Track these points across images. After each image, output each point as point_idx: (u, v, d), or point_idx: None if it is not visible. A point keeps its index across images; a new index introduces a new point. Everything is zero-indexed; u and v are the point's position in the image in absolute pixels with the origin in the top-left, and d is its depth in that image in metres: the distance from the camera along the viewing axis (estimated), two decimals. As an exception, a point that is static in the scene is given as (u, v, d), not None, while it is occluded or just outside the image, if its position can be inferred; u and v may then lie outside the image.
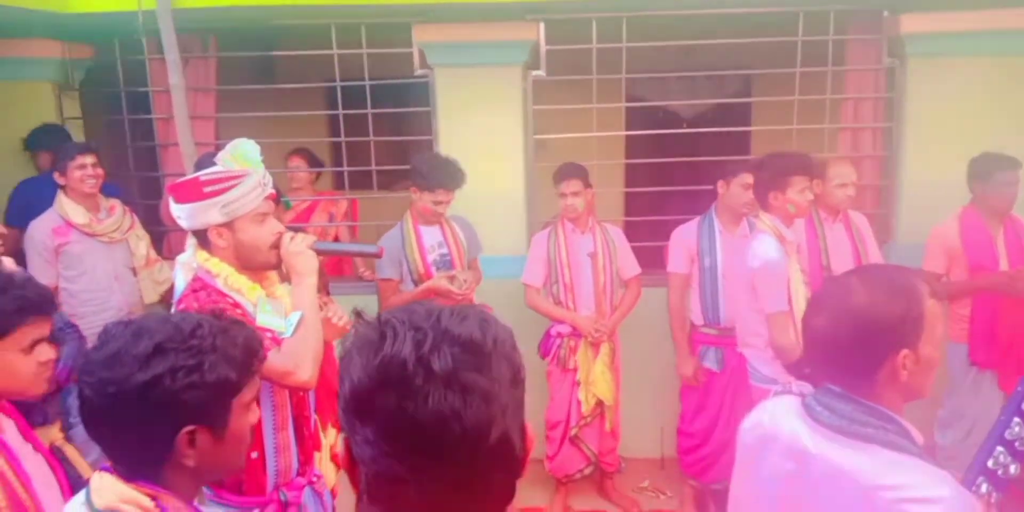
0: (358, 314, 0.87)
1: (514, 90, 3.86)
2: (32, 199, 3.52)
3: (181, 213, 1.91)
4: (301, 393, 2.03)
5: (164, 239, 4.02)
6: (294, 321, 1.95)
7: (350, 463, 0.85)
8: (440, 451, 0.76)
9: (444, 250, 3.34)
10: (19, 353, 1.55)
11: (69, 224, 3.29)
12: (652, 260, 3.76)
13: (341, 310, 2.18)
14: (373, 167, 4.02)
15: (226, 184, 1.86)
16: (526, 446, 0.84)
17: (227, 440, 1.19)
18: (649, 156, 4.35)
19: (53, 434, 2.36)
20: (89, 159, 3.31)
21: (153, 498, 1.14)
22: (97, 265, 3.34)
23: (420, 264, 3.29)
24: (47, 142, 3.82)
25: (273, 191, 1.99)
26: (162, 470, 1.16)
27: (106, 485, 1.16)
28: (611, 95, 4.07)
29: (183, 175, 3.67)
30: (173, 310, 2.07)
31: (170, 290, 3.44)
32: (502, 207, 3.86)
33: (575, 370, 3.49)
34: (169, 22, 3.27)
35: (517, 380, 0.83)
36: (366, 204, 4.61)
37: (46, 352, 1.59)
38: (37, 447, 1.67)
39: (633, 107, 4.72)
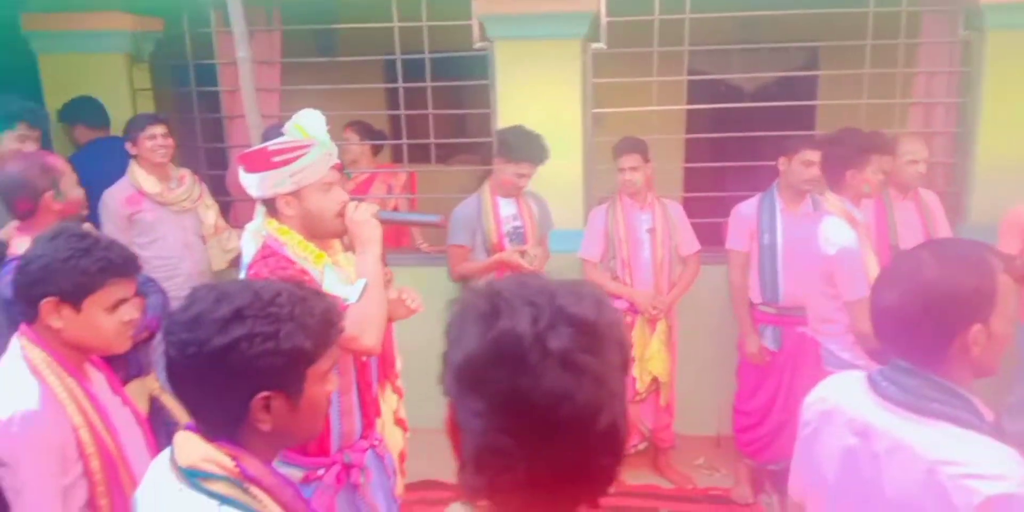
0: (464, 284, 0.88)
1: (573, 63, 3.83)
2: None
3: (251, 182, 1.97)
4: (364, 358, 2.09)
5: (230, 208, 4.13)
6: (359, 288, 2.00)
7: (454, 430, 0.86)
8: (550, 431, 0.77)
9: (519, 223, 3.39)
10: (103, 312, 1.64)
11: (141, 193, 3.41)
12: (710, 237, 3.72)
13: (416, 294, 2.23)
14: (431, 140, 4.05)
15: (294, 154, 1.91)
16: (628, 432, 0.84)
17: (302, 407, 1.20)
18: (710, 131, 4.28)
19: (150, 384, 2.48)
20: (159, 129, 3.41)
21: (233, 458, 1.16)
22: (168, 233, 3.46)
23: (494, 234, 3.34)
24: (81, 115, 3.93)
25: (338, 161, 2.03)
26: (240, 432, 1.19)
27: (189, 444, 1.19)
28: (672, 68, 4.00)
29: (248, 146, 3.76)
30: (243, 276, 2.14)
31: (237, 258, 3.54)
32: (560, 181, 3.85)
33: (631, 345, 3.49)
34: (236, -5, 3.32)
35: (625, 365, 0.83)
36: (424, 177, 4.65)
37: (129, 312, 1.68)
38: (125, 401, 1.76)
39: (694, 80, 4.63)
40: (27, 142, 3.18)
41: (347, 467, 2.06)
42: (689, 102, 4.85)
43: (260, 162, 1.93)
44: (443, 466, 3.67)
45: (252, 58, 3.56)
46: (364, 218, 2.00)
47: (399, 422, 2.51)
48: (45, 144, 3.42)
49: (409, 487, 2.41)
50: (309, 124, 1.96)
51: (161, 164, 3.46)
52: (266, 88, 4.08)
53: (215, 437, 1.19)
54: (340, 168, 2.05)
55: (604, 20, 3.76)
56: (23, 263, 1.63)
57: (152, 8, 4.07)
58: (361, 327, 1.93)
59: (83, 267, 1.59)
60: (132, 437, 1.72)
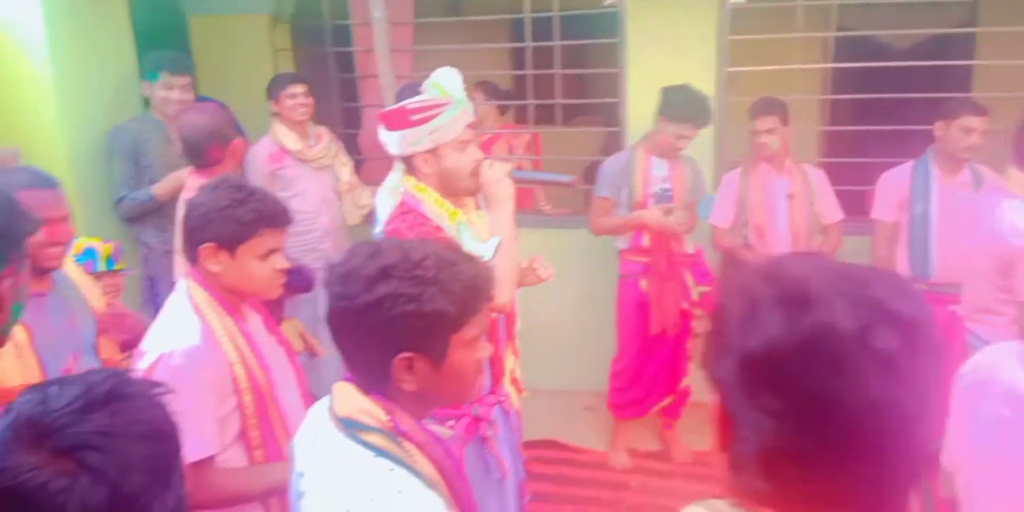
0: (729, 259, 0.80)
1: (709, 19, 3.67)
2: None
3: (391, 140, 2.02)
4: (493, 315, 2.13)
5: (362, 166, 4.27)
6: (493, 245, 2.03)
7: (723, 419, 0.77)
8: (864, 442, 0.68)
9: (668, 185, 3.33)
10: (255, 259, 1.72)
11: (283, 150, 3.56)
12: (850, 206, 3.52)
13: (548, 263, 2.24)
14: (557, 101, 4.01)
15: (432, 112, 1.95)
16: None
17: (445, 372, 1.19)
18: (855, 92, 4.01)
19: (296, 323, 2.61)
20: (300, 88, 3.54)
21: (387, 412, 1.18)
22: (307, 189, 3.61)
23: (640, 193, 3.31)
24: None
25: (474, 120, 2.05)
26: (389, 388, 1.19)
27: (346, 394, 1.21)
28: (815, 24, 3.77)
29: (381, 106, 3.85)
30: (378, 231, 2.20)
31: (370, 213, 3.67)
32: (691, 144, 3.74)
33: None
34: (374, -46, 3.37)
35: (940, 375, 0.73)
36: (547, 138, 4.63)
37: (280, 261, 1.75)
38: (279, 341, 1.87)
39: (840, 37, 4.35)
40: (173, 89, 3.28)
41: (476, 420, 2.12)
42: (833, 60, 4.57)
43: (400, 120, 1.98)
44: (557, 426, 3.72)
45: (386, 18, 3.63)
46: (498, 177, 2.03)
47: (514, 382, 2.56)
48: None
49: (526, 445, 2.47)
50: (447, 83, 1.99)
51: (301, 122, 3.60)
52: (399, 48, 4.14)
53: (369, 390, 1.20)
54: (475, 127, 2.07)
55: (745, -26, 3.58)
56: (188, 209, 1.75)
57: (294, -31, 4.20)
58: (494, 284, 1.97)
59: (237, 216, 1.68)
60: (284, 375, 1.82)
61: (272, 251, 1.75)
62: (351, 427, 1.16)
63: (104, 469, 0.82)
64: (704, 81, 3.69)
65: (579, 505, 3.20)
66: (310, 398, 1.84)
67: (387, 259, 1.15)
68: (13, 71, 3.08)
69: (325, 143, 3.70)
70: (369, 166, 4.31)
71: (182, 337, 1.65)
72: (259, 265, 1.73)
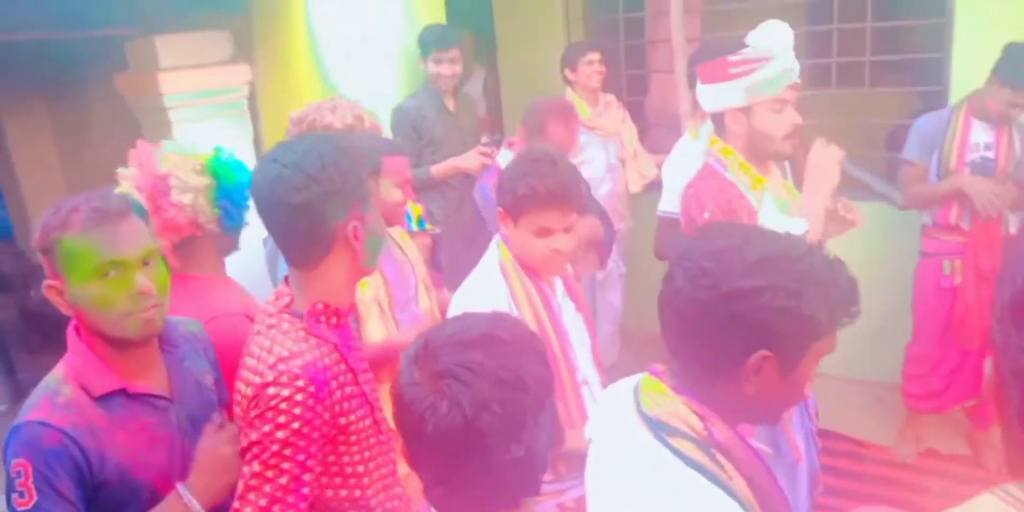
0: None
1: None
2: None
3: (704, 93, 1.97)
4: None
5: (647, 134, 4.25)
6: (797, 226, 1.91)
7: (998, 385, 0.74)
8: None
9: (990, 154, 2.92)
10: (531, 234, 1.72)
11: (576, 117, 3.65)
12: None
13: (853, 205, 2.07)
14: (868, 58, 3.64)
15: (752, 66, 1.86)
16: None
17: (791, 380, 1.06)
18: None
19: None
20: (595, 56, 3.60)
21: (703, 419, 1.06)
22: (595, 155, 3.67)
23: (954, 159, 2.94)
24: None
25: (798, 81, 1.92)
26: (717, 385, 1.07)
27: (656, 391, 1.11)
28: None
29: (669, 72, 3.78)
30: (682, 194, 2.16)
31: (652, 182, 3.66)
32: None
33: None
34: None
35: None
36: (849, 100, 4.23)
37: (560, 242, 1.73)
38: (579, 306, 1.92)
39: None
40: (443, 64, 3.34)
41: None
42: None
43: (717, 73, 1.92)
44: (844, 417, 3.41)
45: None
46: (829, 161, 1.92)
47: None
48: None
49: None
50: (773, 38, 1.88)
51: (594, 89, 3.66)
52: (690, 10, 4.02)
53: (683, 388, 1.09)
54: (798, 89, 1.95)
55: None
56: (503, 172, 1.82)
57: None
58: None
59: (515, 188, 1.70)
60: (580, 340, 1.88)
61: (545, 230, 1.71)
62: (660, 429, 1.06)
63: (461, 401, 0.91)
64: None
65: (871, 503, 2.97)
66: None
67: (769, 247, 1.04)
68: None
69: (613, 110, 3.73)
70: (654, 133, 4.28)
71: (488, 300, 1.70)
72: (535, 241, 1.72)
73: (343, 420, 1.37)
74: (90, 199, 1.34)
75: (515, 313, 1.73)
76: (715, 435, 1.05)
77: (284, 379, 1.29)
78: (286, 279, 1.44)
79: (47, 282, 1.34)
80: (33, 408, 1.33)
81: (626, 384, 1.19)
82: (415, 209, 2.65)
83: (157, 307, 1.37)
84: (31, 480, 1.27)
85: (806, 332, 1.03)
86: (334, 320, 1.41)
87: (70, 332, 1.39)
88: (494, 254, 1.84)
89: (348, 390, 1.39)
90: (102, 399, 1.35)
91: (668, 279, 1.09)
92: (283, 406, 1.28)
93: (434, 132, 3.41)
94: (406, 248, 2.23)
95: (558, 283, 1.90)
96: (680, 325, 1.08)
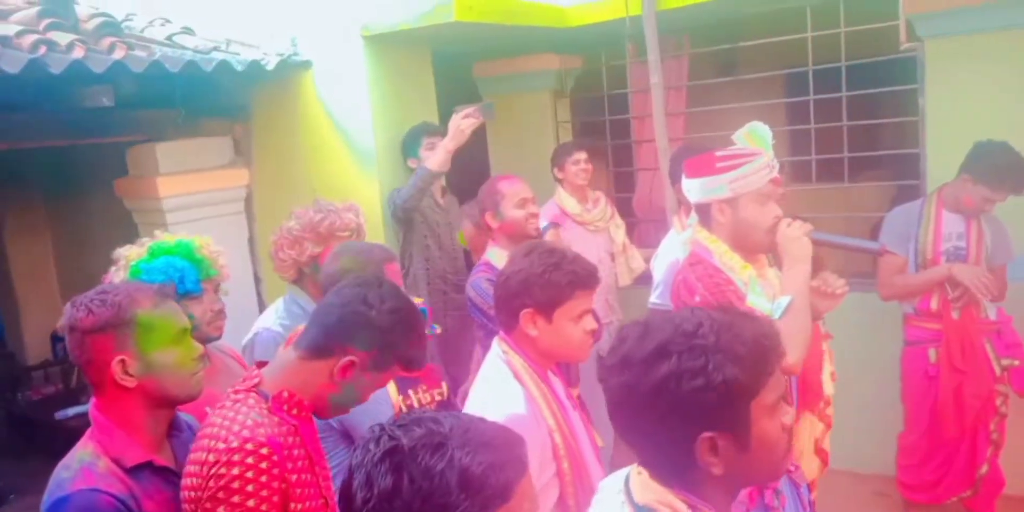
0: None
1: (1026, 58, 3.26)
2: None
3: (691, 187, 2.03)
4: (784, 378, 2.00)
5: (634, 229, 4.34)
6: (783, 305, 1.94)
7: None
8: None
9: (962, 244, 3.00)
10: (570, 322, 1.74)
11: (564, 213, 3.75)
12: None
13: (837, 278, 2.09)
14: (846, 154, 3.78)
15: (738, 161, 1.93)
16: None
17: (754, 447, 1.05)
18: None
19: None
20: (582, 155, 3.75)
21: (691, 507, 1.07)
22: (584, 250, 3.64)
23: (930, 249, 3.02)
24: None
25: (778, 176, 1.99)
26: (691, 476, 1.07)
27: (645, 482, 1.12)
28: None
29: (655, 170, 3.92)
30: (657, 292, 2.19)
31: (641, 275, 3.71)
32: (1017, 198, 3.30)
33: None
34: (653, 24, 3.50)
35: None
36: (831, 195, 4.36)
37: (591, 322, 1.77)
38: (575, 405, 1.88)
39: None
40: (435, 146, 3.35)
41: (761, 489, 1.98)
42: None
43: (704, 167, 1.99)
44: (835, 510, 3.22)
45: (663, 84, 3.72)
46: (797, 235, 1.95)
47: (819, 452, 2.35)
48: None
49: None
50: (758, 135, 1.97)
51: (581, 187, 3.77)
52: (673, 112, 4.22)
53: (670, 482, 1.09)
54: (779, 183, 2.02)
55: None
56: (503, 277, 1.81)
57: (575, 47, 4.50)
58: (783, 345, 1.87)
59: (555, 280, 1.72)
60: (585, 439, 1.82)
61: (584, 312, 1.77)
62: None
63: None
64: (1021, 125, 3.27)
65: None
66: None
67: (660, 336, 1.05)
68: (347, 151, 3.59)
69: (601, 206, 3.83)
70: (642, 229, 4.37)
71: (507, 404, 1.68)
72: (573, 327, 1.75)
73: (295, 505, 1.38)
74: (139, 286, 1.56)
75: (532, 415, 1.70)
76: None
77: (250, 446, 1.34)
78: (258, 363, 1.54)
79: (118, 357, 1.45)
80: (75, 480, 1.40)
81: (618, 476, 1.20)
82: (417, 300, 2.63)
83: (202, 370, 1.57)
84: None
85: (734, 397, 1.02)
86: (295, 411, 1.47)
87: (93, 412, 1.50)
88: (499, 358, 1.81)
89: (304, 477, 1.43)
90: (133, 470, 1.45)
91: (601, 383, 1.12)
92: (249, 474, 1.32)
93: (427, 217, 3.47)
94: None
95: (558, 384, 1.87)
96: (629, 433, 1.10)
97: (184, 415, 1.66)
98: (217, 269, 1.99)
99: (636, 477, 1.14)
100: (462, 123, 3.20)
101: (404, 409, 2.06)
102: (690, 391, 1.01)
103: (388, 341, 1.50)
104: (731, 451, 1.04)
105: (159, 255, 1.92)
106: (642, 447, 1.10)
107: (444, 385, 2.25)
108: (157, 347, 1.48)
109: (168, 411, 1.54)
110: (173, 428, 1.58)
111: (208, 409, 1.74)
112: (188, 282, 1.89)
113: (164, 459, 1.51)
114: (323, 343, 1.48)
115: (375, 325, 1.48)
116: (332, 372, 1.48)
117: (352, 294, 1.52)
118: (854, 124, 3.75)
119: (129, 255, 1.93)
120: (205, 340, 1.90)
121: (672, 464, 1.08)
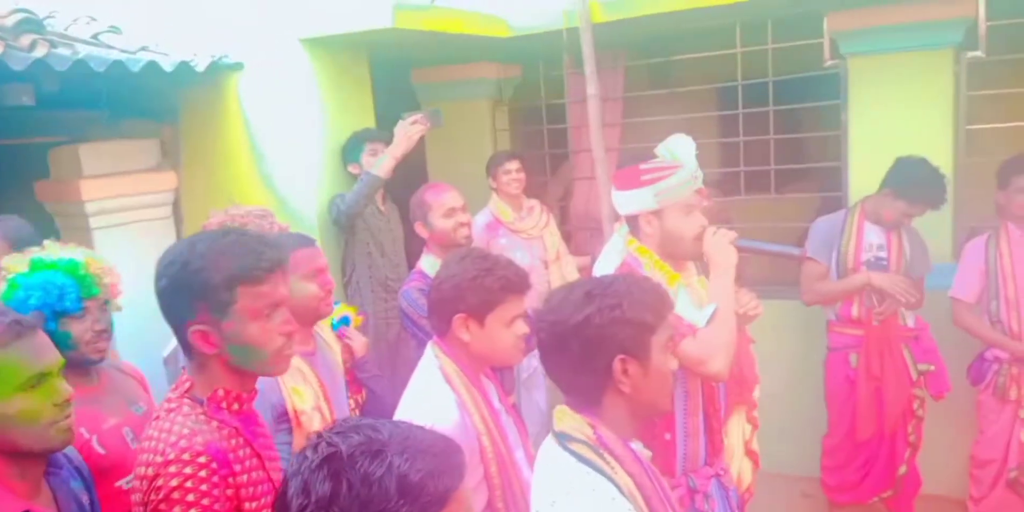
0: None
1: (942, 75, 3.44)
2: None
3: (619, 199, 2.07)
4: (713, 383, 2.06)
5: (571, 237, 4.38)
6: (709, 313, 1.99)
7: None
8: None
9: (883, 254, 3.13)
10: (503, 326, 1.77)
11: (499, 221, 3.77)
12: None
13: (752, 297, 2.16)
14: (772, 167, 3.91)
15: (661, 174, 1.98)
16: None
17: (652, 374, 1.36)
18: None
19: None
20: (514, 165, 3.78)
21: (592, 427, 1.34)
22: (517, 257, 3.72)
23: (851, 258, 3.14)
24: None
25: (703, 187, 2.05)
26: (601, 401, 1.36)
27: (563, 414, 1.39)
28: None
29: (591, 179, 3.97)
30: None
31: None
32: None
33: (1017, 403, 2.98)
34: (590, 37, 3.56)
35: None
36: (760, 207, 4.49)
37: (522, 327, 1.79)
38: (508, 409, 1.90)
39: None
40: (378, 155, 3.32)
41: (691, 492, 2.03)
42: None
43: (630, 180, 2.03)
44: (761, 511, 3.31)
45: (599, 95, 3.78)
46: (721, 244, 2.01)
47: (750, 453, 2.41)
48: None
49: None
50: (679, 149, 2.03)
51: (515, 195, 3.80)
52: (609, 123, 4.28)
53: (580, 408, 1.37)
54: (704, 194, 2.08)
55: (983, 25, 3.33)
56: (437, 282, 1.82)
57: (514, 56, 4.53)
58: (709, 352, 1.92)
59: (487, 285, 1.74)
60: (517, 443, 1.85)
61: (516, 317, 1.79)
62: (563, 439, 1.35)
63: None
64: (937, 141, 3.45)
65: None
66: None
67: (584, 287, 1.38)
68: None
69: (535, 215, 3.87)
70: (578, 237, 4.42)
71: (439, 411, 1.69)
72: (505, 332, 1.78)
73: (249, 505, 1.34)
74: (2, 313, 1.30)
75: (463, 420, 1.71)
76: (603, 439, 1.33)
77: (187, 456, 1.28)
78: (184, 368, 1.45)
79: None
80: None
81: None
82: (356, 319, 2.58)
83: (71, 416, 1.35)
84: None
85: (640, 331, 1.34)
86: (236, 406, 1.40)
87: None
88: (432, 363, 1.83)
89: (255, 475, 1.37)
90: None
91: (536, 336, 1.40)
92: (188, 484, 1.26)
93: (369, 224, 3.42)
94: (332, 349, 2.21)
95: (491, 389, 1.88)
96: (555, 364, 1.39)
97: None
98: (101, 287, 1.83)
99: (558, 411, 1.41)
100: (410, 130, 3.17)
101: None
102: (608, 322, 1.32)
103: (191, 284, 1.33)
104: (637, 374, 1.34)
105: (39, 270, 1.76)
106: (567, 380, 1.39)
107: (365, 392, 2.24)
108: (2, 397, 1.26)
109: (32, 464, 1.34)
110: (51, 465, 1.41)
111: (83, 430, 1.67)
112: (68, 300, 1.75)
113: (42, 504, 1.35)
114: (175, 328, 1.38)
115: (182, 283, 1.34)
116: (200, 348, 1.36)
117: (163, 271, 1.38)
118: (781, 138, 3.89)
119: (10, 266, 1.78)
120: (84, 362, 1.79)
121: (588, 389, 1.36)
